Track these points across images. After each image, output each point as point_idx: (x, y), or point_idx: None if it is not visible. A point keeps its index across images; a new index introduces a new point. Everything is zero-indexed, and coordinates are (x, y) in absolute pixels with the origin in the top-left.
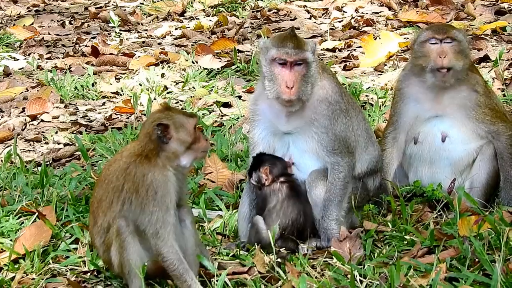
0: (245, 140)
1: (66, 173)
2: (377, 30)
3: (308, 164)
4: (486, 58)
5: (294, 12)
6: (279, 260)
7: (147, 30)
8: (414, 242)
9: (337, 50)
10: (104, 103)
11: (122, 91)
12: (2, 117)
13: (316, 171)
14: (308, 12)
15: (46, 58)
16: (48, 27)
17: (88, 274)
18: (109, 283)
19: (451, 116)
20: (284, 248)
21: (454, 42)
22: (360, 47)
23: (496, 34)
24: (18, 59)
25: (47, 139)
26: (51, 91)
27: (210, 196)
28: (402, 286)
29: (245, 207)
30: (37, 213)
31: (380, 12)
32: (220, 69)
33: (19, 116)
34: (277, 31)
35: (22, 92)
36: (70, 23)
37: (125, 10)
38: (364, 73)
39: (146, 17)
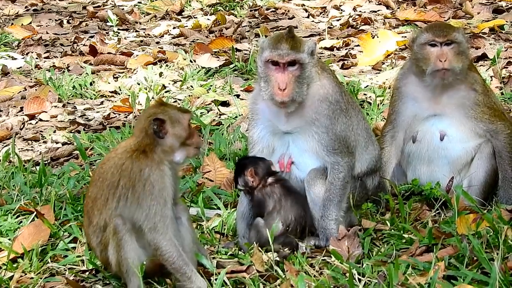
0: (243, 139)
1: (65, 172)
2: (375, 28)
3: (308, 163)
4: (484, 57)
5: (292, 10)
6: (277, 258)
7: (145, 29)
8: (412, 240)
9: (335, 48)
10: (102, 102)
11: (120, 90)
12: (0, 116)
13: (315, 170)
14: (306, 10)
15: (44, 57)
16: (46, 26)
17: (87, 273)
18: (107, 282)
19: (449, 115)
20: (287, 246)
21: (454, 44)
22: (358, 45)
23: (494, 33)
24: (16, 59)
25: (45, 138)
26: (49, 90)
27: (208, 195)
28: (401, 284)
29: (244, 206)
30: (35, 212)
31: (378, 10)
32: (218, 68)
33: (17, 115)
34: (275, 30)
35: (20, 92)
36: (68, 22)
37: (123, 9)
38: (362, 72)
39: (144, 16)
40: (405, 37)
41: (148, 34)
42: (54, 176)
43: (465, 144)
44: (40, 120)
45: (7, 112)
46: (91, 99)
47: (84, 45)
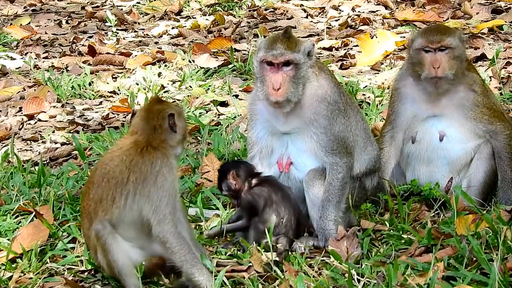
0: (242, 139)
1: (63, 172)
2: (374, 29)
3: (306, 164)
4: (483, 57)
5: (291, 11)
6: (276, 259)
7: (144, 29)
8: (411, 241)
9: (333, 49)
10: (101, 103)
11: (119, 90)
12: None
13: (314, 170)
14: (305, 11)
15: (43, 58)
16: (45, 26)
17: (86, 273)
18: (106, 282)
19: (449, 116)
20: (284, 237)
21: (448, 50)
22: (357, 46)
23: (493, 33)
24: (15, 59)
25: (44, 138)
26: (48, 91)
27: (207, 195)
28: (400, 285)
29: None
30: (34, 213)
31: (377, 11)
32: (216, 68)
33: (16, 115)
34: (273, 30)
35: (19, 92)
36: (67, 22)
37: (121, 9)
38: (361, 72)
39: (143, 16)
40: (404, 37)
41: (147, 34)
42: (53, 176)
43: (465, 144)
44: (39, 120)
45: (6, 112)
46: (90, 99)
47: (83, 45)
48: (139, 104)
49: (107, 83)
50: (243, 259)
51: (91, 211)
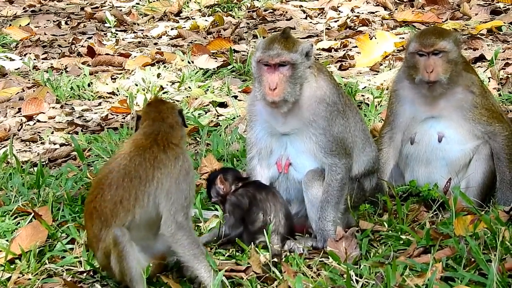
0: (241, 140)
1: (62, 173)
2: (373, 29)
3: (305, 164)
4: (481, 58)
5: (290, 12)
6: (275, 260)
7: (143, 30)
8: (410, 241)
9: (332, 50)
10: (100, 103)
11: (118, 91)
12: None
13: (313, 171)
14: (304, 12)
15: (42, 59)
16: (44, 27)
17: (84, 274)
18: (105, 283)
19: (447, 117)
20: (276, 234)
21: (442, 54)
22: (356, 47)
23: (492, 34)
24: (14, 60)
25: (43, 139)
26: (47, 92)
27: (206, 196)
28: (398, 285)
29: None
30: (33, 213)
31: (376, 12)
32: (216, 69)
33: (15, 116)
34: (273, 31)
35: (18, 93)
36: (66, 23)
37: (121, 10)
38: (360, 73)
39: (142, 17)
40: (403, 38)
41: (146, 35)
42: (52, 177)
43: (463, 145)
44: (38, 121)
45: (5, 113)
46: (89, 100)
47: (82, 46)
48: (138, 105)
49: (106, 84)
50: (241, 260)
51: (108, 213)
